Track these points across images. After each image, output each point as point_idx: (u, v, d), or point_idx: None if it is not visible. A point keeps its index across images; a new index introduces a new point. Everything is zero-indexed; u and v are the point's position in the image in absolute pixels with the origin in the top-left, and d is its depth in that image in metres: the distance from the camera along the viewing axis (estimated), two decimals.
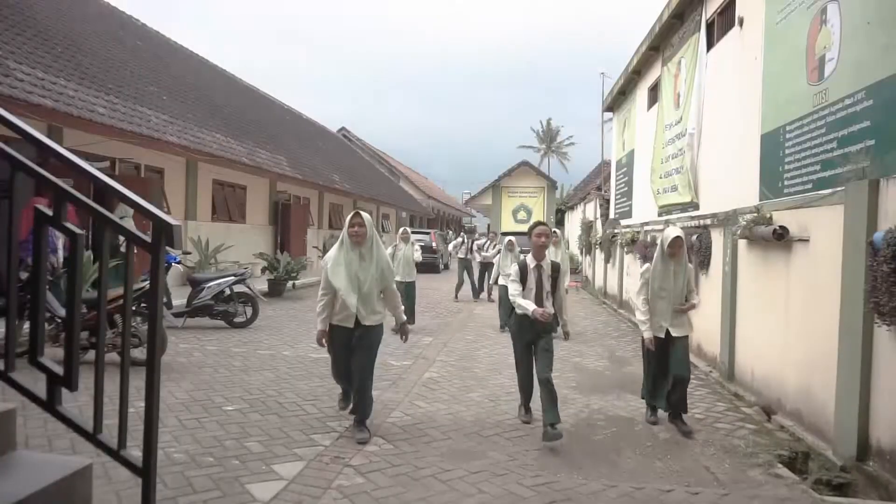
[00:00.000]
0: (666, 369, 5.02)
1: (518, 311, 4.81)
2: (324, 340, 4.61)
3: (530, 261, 4.87)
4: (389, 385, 6.11)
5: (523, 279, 4.83)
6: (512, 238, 10.51)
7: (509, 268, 8.16)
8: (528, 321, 4.73)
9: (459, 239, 16.45)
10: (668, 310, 5.03)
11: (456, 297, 14.37)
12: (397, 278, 8.17)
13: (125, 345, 2.31)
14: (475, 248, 15.01)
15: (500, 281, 9.42)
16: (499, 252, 13.42)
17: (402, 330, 4.90)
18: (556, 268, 4.95)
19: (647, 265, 5.18)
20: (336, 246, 4.55)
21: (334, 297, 4.47)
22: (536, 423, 5.06)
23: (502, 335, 9.47)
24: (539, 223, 4.98)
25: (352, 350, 4.49)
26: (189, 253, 11.37)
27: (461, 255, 15.15)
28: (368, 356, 4.53)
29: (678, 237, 4.99)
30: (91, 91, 10.03)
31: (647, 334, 5.05)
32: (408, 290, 9.52)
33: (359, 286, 4.40)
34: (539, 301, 4.76)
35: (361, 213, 4.48)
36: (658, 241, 5.20)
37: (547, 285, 4.86)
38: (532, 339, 4.85)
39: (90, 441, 2.21)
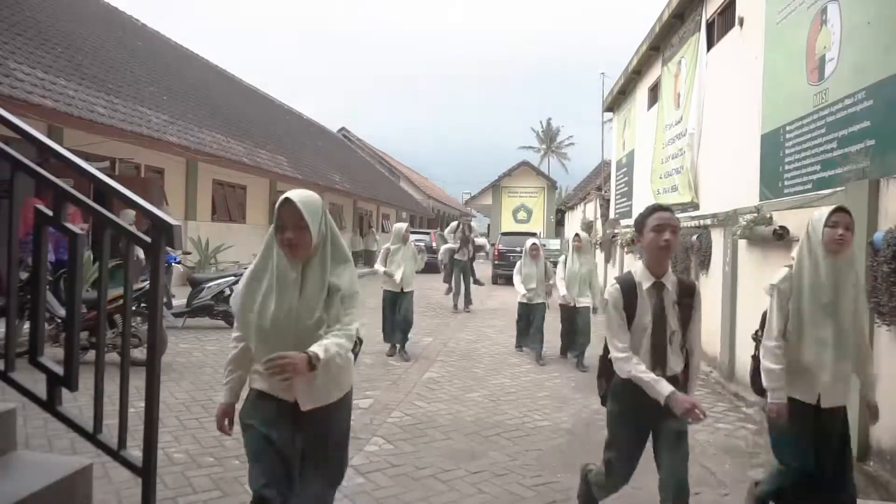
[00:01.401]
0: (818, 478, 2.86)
1: (623, 378, 2.72)
2: (226, 424, 2.40)
3: (642, 276, 2.74)
4: (389, 385, 6.11)
5: (629, 312, 2.71)
6: (536, 241, 8.12)
7: (534, 280, 7.84)
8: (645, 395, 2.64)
9: (452, 239, 13.21)
10: (835, 352, 2.78)
11: (456, 305, 12.47)
12: (388, 288, 7.69)
13: (125, 345, 2.31)
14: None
15: (519, 287, 7.91)
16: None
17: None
18: (688, 288, 2.80)
19: (782, 277, 2.89)
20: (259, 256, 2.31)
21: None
22: (537, 425, 5.06)
23: (502, 336, 9.47)
24: (659, 207, 2.75)
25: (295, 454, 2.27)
26: (189, 253, 11.37)
27: (458, 256, 12.69)
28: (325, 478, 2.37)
29: (843, 211, 2.89)
30: (91, 91, 10.03)
31: (778, 398, 2.81)
32: (404, 303, 7.59)
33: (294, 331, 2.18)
34: (661, 353, 2.70)
35: (295, 199, 2.20)
36: (808, 226, 2.94)
37: (674, 321, 2.73)
38: (654, 419, 2.72)
39: (90, 441, 2.22)
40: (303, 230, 2.17)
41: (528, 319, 7.89)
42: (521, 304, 7.98)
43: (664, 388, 2.56)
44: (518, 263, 8.09)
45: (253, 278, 2.26)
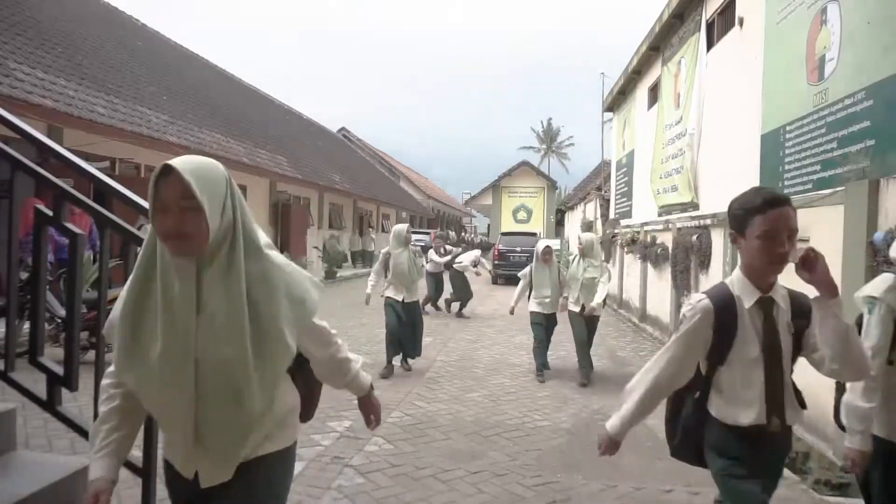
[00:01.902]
0: None
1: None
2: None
3: (743, 290, 2.04)
4: (389, 385, 6.11)
5: (726, 339, 2.00)
6: (549, 244, 7.18)
7: (549, 288, 6.82)
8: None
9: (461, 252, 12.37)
10: None
11: (459, 311, 11.76)
12: (390, 294, 6.84)
13: None
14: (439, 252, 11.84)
15: (533, 307, 6.99)
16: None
17: (367, 408, 2.11)
18: (801, 307, 2.07)
19: (889, 286, 2.31)
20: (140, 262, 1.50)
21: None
22: (537, 424, 5.07)
23: (502, 336, 9.47)
24: (774, 199, 2.05)
25: None
26: None
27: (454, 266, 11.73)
28: None
29: None
30: (91, 91, 10.03)
31: (860, 443, 2.28)
32: (410, 315, 6.85)
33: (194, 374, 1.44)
34: (776, 393, 1.98)
35: (179, 167, 1.38)
36: None
37: (789, 350, 2.03)
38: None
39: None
40: (193, 212, 1.38)
41: (547, 331, 6.97)
42: (534, 312, 6.97)
43: None
44: (527, 269, 7.16)
45: (133, 297, 1.46)
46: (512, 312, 7.54)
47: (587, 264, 6.76)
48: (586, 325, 6.70)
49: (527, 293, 7.12)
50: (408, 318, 6.80)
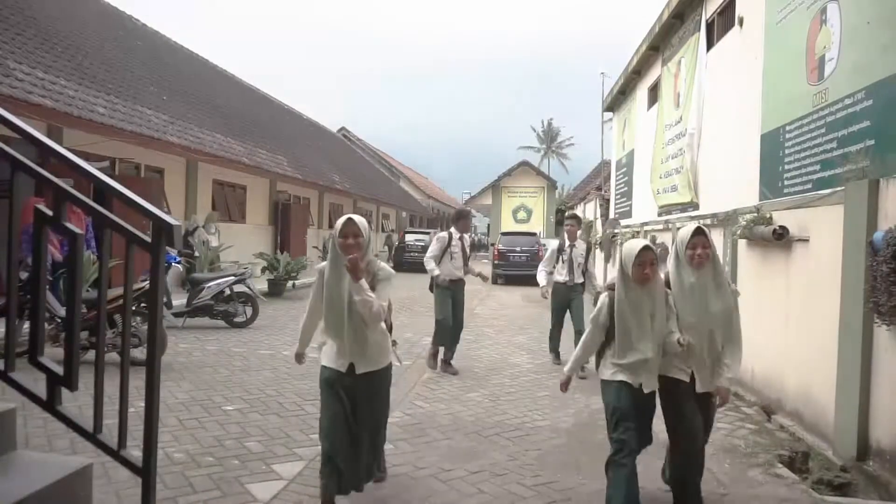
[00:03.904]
0: None
1: None
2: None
3: None
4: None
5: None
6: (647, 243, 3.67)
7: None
8: None
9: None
10: None
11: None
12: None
13: (125, 345, 2.31)
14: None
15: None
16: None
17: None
18: None
19: None
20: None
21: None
22: (537, 425, 5.07)
23: (502, 335, 9.48)
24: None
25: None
26: (189, 253, 11.37)
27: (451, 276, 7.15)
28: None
29: None
30: (91, 91, 10.03)
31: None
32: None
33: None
34: None
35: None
36: None
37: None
38: None
39: (90, 441, 2.22)
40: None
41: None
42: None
43: None
44: (602, 302, 6.84)
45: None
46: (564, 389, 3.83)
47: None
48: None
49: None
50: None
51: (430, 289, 7.14)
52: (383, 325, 3.27)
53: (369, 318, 3.05)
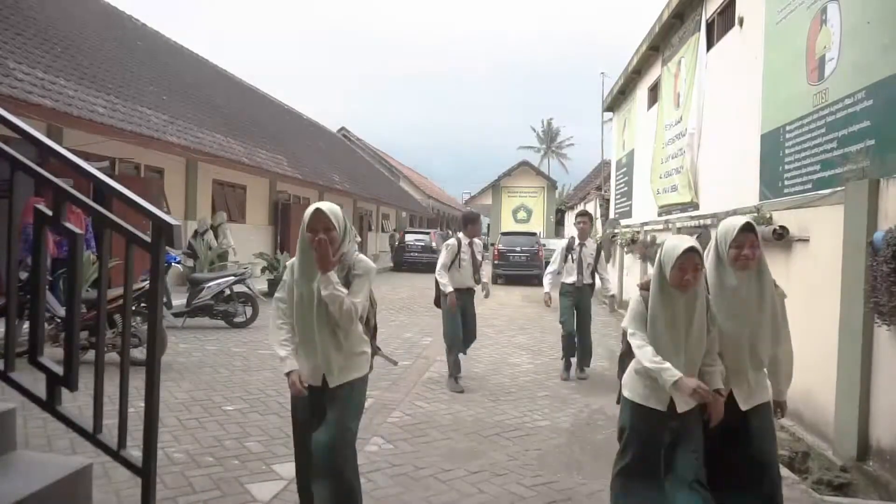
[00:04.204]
0: None
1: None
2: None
3: None
4: (389, 385, 6.10)
5: None
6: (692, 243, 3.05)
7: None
8: None
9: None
10: None
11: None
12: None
13: (125, 345, 2.31)
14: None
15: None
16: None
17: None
18: None
19: None
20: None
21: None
22: (537, 424, 5.07)
23: (502, 336, 9.47)
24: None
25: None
26: (189, 253, 11.37)
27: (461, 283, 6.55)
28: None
29: None
30: (91, 91, 10.03)
31: None
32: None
33: None
34: None
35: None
36: None
37: None
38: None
39: (90, 441, 2.21)
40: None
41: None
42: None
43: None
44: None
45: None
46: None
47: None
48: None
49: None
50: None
51: (436, 303, 6.55)
52: (361, 327, 2.83)
53: (339, 316, 2.63)
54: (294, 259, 2.79)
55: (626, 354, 2.91)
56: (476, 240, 6.55)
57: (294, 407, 2.91)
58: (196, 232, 12.39)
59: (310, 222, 2.65)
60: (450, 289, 6.13)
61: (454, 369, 6.20)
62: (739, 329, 2.76)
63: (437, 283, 6.38)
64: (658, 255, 2.75)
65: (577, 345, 6.74)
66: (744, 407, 2.79)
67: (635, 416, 2.81)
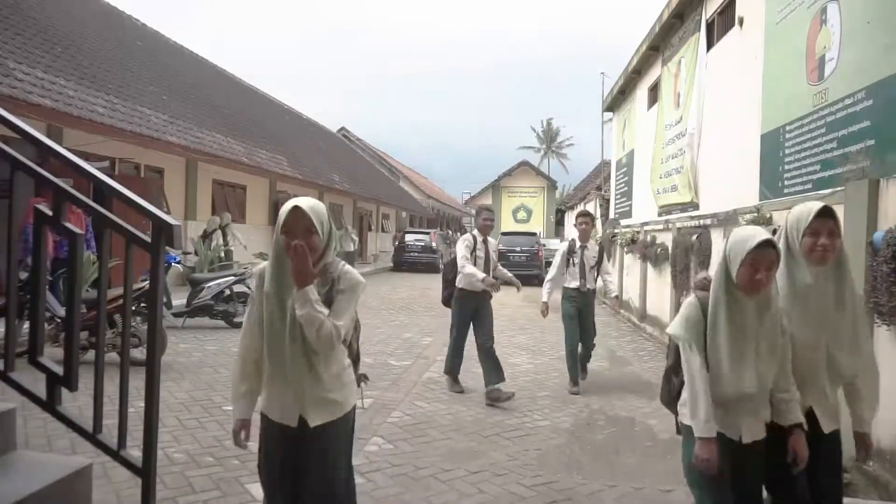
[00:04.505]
0: None
1: None
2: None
3: None
4: (389, 385, 6.10)
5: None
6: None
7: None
8: None
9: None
10: None
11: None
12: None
13: (125, 345, 2.31)
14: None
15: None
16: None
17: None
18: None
19: None
20: None
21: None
22: (537, 424, 5.07)
23: (502, 336, 9.46)
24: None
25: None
26: (189, 253, 11.38)
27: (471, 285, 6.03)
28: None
29: None
30: (91, 91, 10.03)
31: None
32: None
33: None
34: None
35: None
36: None
37: None
38: None
39: (90, 441, 2.22)
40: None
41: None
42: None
43: None
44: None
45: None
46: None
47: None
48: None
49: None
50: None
51: (446, 302, 6.21)
52: (345, 353, 2.32)
53: (316, 341, 2.09)
54: (264, 266, 2.24)
55: (675, 370, 2.37)
56: (490, 239, 6.17)
57: (264, 456, 2.27)
58: (205, 231, 12.42)
59: (285, 223, 2.13)
60: (480, 275, 5.71)
61: (450, 367, 6.04)
62: (816, 336, 2.27)
63: (444, 281, 6.16)
64: (724, 249, 2.23)
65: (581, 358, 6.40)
66: (827, 428, 2.31)
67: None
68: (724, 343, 2.17)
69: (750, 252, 2.10)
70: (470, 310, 5.94)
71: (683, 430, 2.32)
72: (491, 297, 5.98)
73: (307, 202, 2.15)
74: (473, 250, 5.89)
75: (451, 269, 6.09)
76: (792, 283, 2.29)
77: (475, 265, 5.82)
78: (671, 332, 2.33)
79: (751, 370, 2.15)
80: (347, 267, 2.28)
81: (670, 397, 2.43)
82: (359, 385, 2.45)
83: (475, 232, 6.09)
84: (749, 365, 2.15)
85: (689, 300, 2.33)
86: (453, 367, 6.08)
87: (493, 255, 6.13)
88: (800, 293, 2.28)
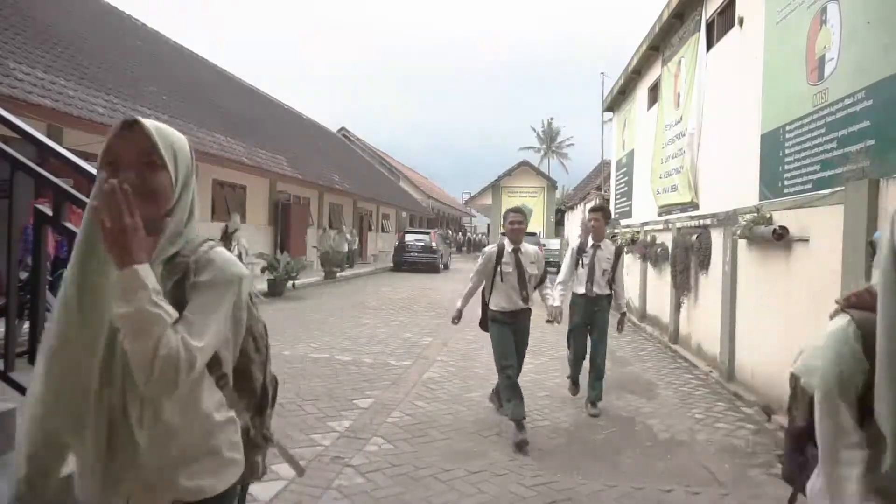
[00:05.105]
0: None
1: None
2: None
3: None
4: (389, 385, 6.11)
5: None
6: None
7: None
8: None
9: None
10: None
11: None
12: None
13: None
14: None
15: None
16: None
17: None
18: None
19: None
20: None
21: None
22: (537, 425, 5.06)
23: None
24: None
25: None
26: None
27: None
28: None
29: None
30: (91, 91, 10.03)
31: None
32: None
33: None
34: None
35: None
36: None
37: None
38: None
39: None
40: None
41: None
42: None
43: None
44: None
45: None
46: None
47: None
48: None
49: None
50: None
51: (482, 325, 5.26)
52: (219, 397, 1.35)
53: (147, 367, 1.13)
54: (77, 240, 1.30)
55: (807, 434, 1.49)
56: (526, 246, 4.98)
57: None
58: (226, 228, 12.47)
59: (109, 149, 1.27)
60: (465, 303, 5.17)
61: (498, 397, 5.20)
62: None
63: (483, 304, 5.16)
64: (885, 250, 1.32)
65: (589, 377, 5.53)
66: None
67: None
68: None
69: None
70: (508, 330, 5.01)
71: None
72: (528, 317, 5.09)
73: (153, 123, 1.32)
74: (497, 264, 4.85)
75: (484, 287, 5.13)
76: None
77: (503, 282, 4.86)
78: (797, 370, 1.55)
79: None
80: (219, 248, 1.37)
81: (802, 477, 1.52)
82: (256, 452, 1.48)
83: (504, 240, 5.00)
84: None
85: (839, 323, 1.41)
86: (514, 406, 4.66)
87: (531, 269, 4.93)
88: None
